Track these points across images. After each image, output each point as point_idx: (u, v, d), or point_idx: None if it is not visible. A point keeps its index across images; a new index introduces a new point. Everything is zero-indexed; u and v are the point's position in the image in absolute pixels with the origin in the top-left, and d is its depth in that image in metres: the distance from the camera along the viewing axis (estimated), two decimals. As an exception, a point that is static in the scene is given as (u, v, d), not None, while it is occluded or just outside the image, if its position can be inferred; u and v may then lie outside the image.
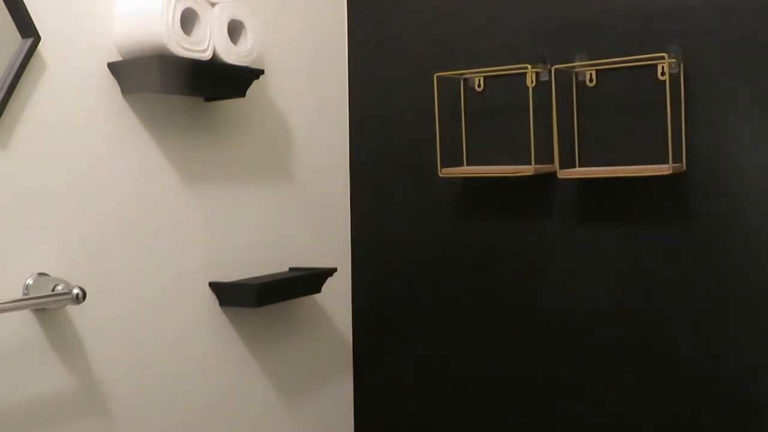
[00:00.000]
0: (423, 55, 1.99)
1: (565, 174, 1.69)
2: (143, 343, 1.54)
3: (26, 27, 1.31)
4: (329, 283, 1.97)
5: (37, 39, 1.33)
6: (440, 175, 1.86)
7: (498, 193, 1.89)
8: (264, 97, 1.84)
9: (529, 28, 1.83)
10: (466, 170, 1.83)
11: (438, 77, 1.91)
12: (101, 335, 1.46)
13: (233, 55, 1.60)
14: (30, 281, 1.33)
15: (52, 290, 1.32)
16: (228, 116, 1.75)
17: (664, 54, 1.60)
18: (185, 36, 1.49)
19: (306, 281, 1.83)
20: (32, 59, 1.33)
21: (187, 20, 1.52)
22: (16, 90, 1.31)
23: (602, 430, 1.77)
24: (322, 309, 2.03)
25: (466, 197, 1.94)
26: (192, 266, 1.65)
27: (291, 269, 1.90)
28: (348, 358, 2.12)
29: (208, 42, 1.54)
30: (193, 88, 1.55)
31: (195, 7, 1.51)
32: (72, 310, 1.41)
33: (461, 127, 1.93)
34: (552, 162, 1.78)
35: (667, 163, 1.65)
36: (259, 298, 1.66)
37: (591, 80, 1.76)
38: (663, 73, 1.67)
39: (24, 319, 1.33)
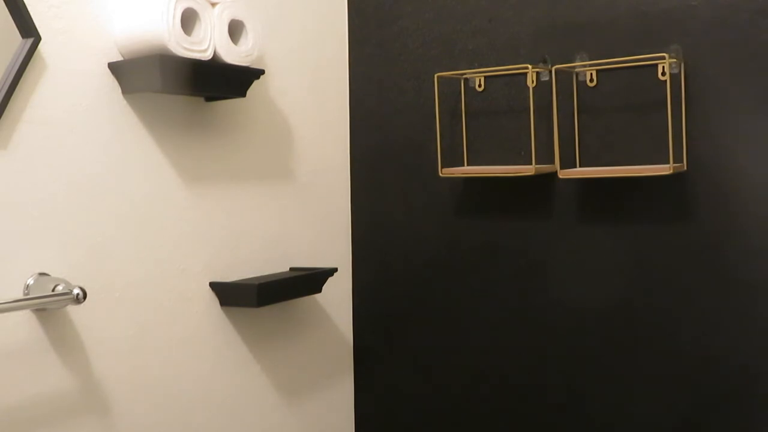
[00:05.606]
0: (423, 55, 1.99)
1: (565, 174, 1.69)
2: (143, 344, 1.54)
3: (26, 27, 1.31)
4: (329, 283, 1.97)
5: (37, 39, 1.33)
6: (440, 175, 1.86)
7: (498, 193, 1.89)
8: (264, 97, 1.84)
9: (530, 28, 1.83)
10: (467, 170, 1.83)
11: (438, 77, 1.91)
12: (101, 335, 1.46)
13: (234, 55, 1.60)
14: (30, 281, 1.33)
15: (53, 290, 1.32)
16: (228, 116, 1.75)
17: (664, 54, 1.60)
18: (186, 36, 1.49)
19: (306, 281, 1.83)
20: (32, 59, 1.33)
21: (188, 20, 1.52)
22: (16, 90, 1.31)
23: (602, 429, 1.77)
24: (323, 309, 2.03)
25: (467, 197, 1.94)
26: (192, 266, 1.65)
27: (291, 269, 1.90)
28: (348, 358, 2.12)
29: (208, 42, 1.54)
30: (194, 88, 1.55)
31: (195, 7, 1.51)
32: (72, 310, 1.40)
33: (461, 127, 1.93)
34: (552, 162, 1.78)
35: (668, 163, 1.65)
36: (259, 298, 1.66)
37: (591, 80, 1.76)
38: (663, 73, 1.67)
39: (24, 319, 1.33)
